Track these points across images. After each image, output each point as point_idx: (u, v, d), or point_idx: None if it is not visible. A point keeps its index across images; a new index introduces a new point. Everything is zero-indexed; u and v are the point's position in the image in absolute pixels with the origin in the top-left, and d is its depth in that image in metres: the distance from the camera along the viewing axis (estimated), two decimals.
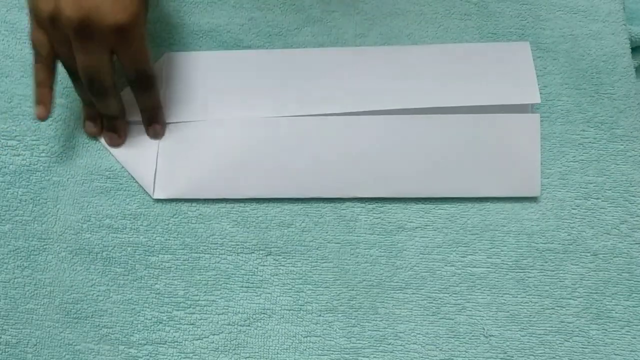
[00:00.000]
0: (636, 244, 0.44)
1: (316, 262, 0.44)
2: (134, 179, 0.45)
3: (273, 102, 0.46)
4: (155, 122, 0.46)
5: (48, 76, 0.43)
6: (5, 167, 0.46)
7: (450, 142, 0.45)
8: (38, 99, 0.43)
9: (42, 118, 0.43)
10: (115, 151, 0.46)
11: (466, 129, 0.45)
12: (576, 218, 0.44)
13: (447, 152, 0.45)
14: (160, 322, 0.43)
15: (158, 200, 0.45)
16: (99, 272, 0.44)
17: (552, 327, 0.43)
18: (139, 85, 0.44)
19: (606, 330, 0.42)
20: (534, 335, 0.42)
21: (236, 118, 0.46)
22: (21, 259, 0.44)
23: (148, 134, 0.46)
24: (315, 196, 0.45)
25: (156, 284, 0.44)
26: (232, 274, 0.44)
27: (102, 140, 0.46)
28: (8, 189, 0.45)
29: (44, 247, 0.44)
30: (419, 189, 0.45)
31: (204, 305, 0.43)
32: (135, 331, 0.43)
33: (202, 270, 0.44)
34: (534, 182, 0.44)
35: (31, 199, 0.45)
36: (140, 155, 0.45)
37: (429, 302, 0.43)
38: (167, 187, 0.45)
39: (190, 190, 0.45)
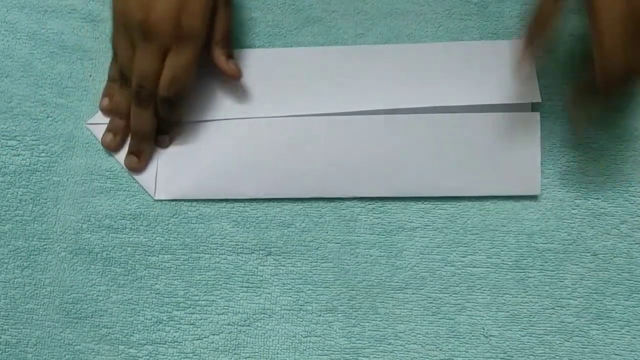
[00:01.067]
0: (636, 244, 0.44)
1: (316, 262, 0.44)
2: (134, 179, 0.45)
3: (272, 103, 0.46)
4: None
5: (120, 75, 0.45)
6: (5, 167, 0.46)
7: (450, 141, 0.45)
8: (105, 92, 0.45)
9: (103, 111, 0.46)
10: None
11: (466, 128, 0.45)
12: (576, 218, 0.44)
13: (447, 151, 0.45)
14: (160, 322, 0.43)
15: (158, 201, 0.45)
16: (99, 272, 0.44)
17: (552, 327, 0.43)
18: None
19: (606, 330, 0.42)
20: (534, 335, 0.42)
21: (236, 118, 0.46)
22: (21, 259, 0.44)
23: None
24: (315, 196, 0.45)
25: (156, 284, 0.44)
26: (232, 274, 0.44)
27: (103, 141, 0.46)
28: (8, 189, 0.45)
29: (44, 247, 0.44)
30: (419, 189, 0.45)
31: (204, 305, 0.43)
32: (135, 331, 0.43)
33: (202, 270, 0.44)
34: (534, 180, 0.44)
35: (31, 199, 0.45)
36: None
37: (429, 302, 0.43)
38: (168, 188, 0.45)
39: (191, 190, 0.45)
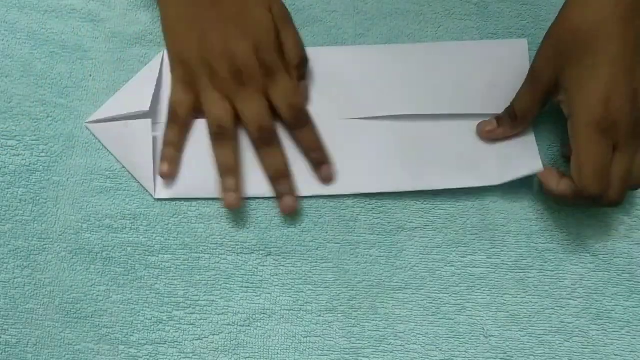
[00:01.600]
0: (636, 244, 0.44)
1: (316, 262, 0.44)
2: (134, 179, 0.45)
3: None
4: (322, 163, 0.44)
5: (181, 138, 0.45)
6: (5, 167, 0.46)
7: (450, 140, 0.45)
8: (165, 157, 0.44)
9: (166, 176, 0.44)
10: (115, 152, 0.46)
11: (466, 128, 0.45)
12: (576, 218, 0.44)
13: (447, 149, 0.45)
14: (160, 322, 0.43)
15: (158, 200, 0.45)
16: (99, 272, 0.44)
17: (552, 327, 0.43)
18: (295, 123, 0.44)
19: (606, 330, 0.42)
20: (533, 335, 0.42)
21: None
22: (21, 259, 0.44)
23: (319, 178, 0.45)
24: (314, 195, 0.45)
25: (156, 284, 0.44)
26: (232, 274, 0.44)
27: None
28: (8, 189, 0.45)
29: (44, 247, 0.44)
30: (420, 184, 0.44)
31: (204, 305, 0.43)
32: (135, 331, 0.43)
33: (202, 270, 0.44)
34: (534, 157, 0.44)
35: (31, 199, 0.45)
36: (141, 156, 0.45)
37: (429, 302, 0.43)
38: (168, 186, 0.45)
39: (191, 189, 0.45)
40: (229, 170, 0.44)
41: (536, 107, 0.42)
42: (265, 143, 0.44)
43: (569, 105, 0.40)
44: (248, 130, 0.44)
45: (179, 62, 0.45)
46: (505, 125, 0.44)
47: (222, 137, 0.44)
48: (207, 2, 0.43)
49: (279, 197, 0.44)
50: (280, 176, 0.44)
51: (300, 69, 0.45)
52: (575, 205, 0.42)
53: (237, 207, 0.44)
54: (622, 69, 0.38)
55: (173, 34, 0.45)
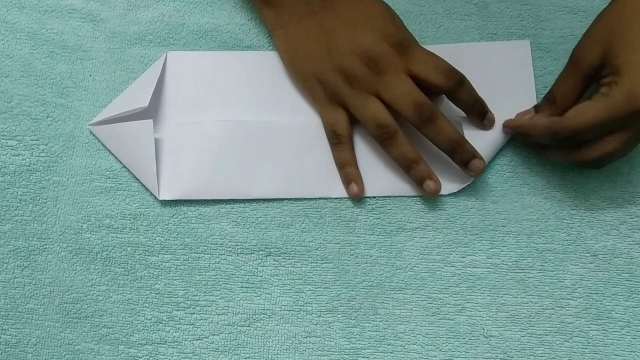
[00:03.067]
0: (636, 244, 0.44)
1: (316, 262, 0.44)
2: (134, 179, 0.45)
3: (275, 103, 0.46)
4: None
5: (352, 155, 0.45)
6: (5, 167, 0.46)
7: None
8: (350, 178, 0.44)
9: (358, 195, 0.44)
10: (118, 154, 0.46)
11: (468, 129, 0.45)
12: (576, 218, 0.44)
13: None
14: (160, 322, 0.43)
15: (158, 200, 0.45)
16: (99, 272, 0.44)
17: (552, 327, 0.43)
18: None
19: (606, 330, 0.42)
20: (533, 335, 0.42)
21: (239, 119, 0.46)
22: (21, 259, 0.44)
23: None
24: (315, 196, 0.45)
25: (156, 284, 0.44)
26: (232, 274, 0.44)
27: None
28: (8, 189, 0.45)
29: (44, 247, 0.44)
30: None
31: (204, 306, 0.43)
32: (135, 331, 0.43)
33: (202, 271, 0.44)
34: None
35: (31, 199, 0.45)
36: (143, 157, 0.45)
37: (429, 303, 0.43)
38: (172, 188, 0.45)
39: (195, 191, 0.45)
40: (414, 161, 0.43)
41: (577, 92, 0.42)
42: (428, 119, 0.42)
43: (615, 81, 0.39)
44: (404, 114, 0.42)
45: (316, 82, 0.44)
46: (543, 110, 0.43)
47: (389, 136, 0.43)
48: (322, 14, 0.44)
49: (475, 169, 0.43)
50: (455, 146, 0.42)
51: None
52: (552, 155, 0.43)
53: (439, 192, 0.43)
54: None
55: (300, 58, 0.45)
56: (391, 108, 0.43)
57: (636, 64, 0.38)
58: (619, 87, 0.39)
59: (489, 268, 0.44)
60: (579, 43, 0.42)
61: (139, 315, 0.43)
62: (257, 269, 0.44)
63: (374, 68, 0.42)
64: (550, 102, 0.43)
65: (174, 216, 0.45)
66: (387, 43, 0.42)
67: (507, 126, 0.44)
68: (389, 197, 0.45)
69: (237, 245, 0.44)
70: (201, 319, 0.43)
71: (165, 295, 0.43)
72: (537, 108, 0.44)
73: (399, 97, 0.42)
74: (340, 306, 0.43)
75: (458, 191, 0.45)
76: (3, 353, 0.43)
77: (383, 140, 0.43)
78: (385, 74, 0.42)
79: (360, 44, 0.42)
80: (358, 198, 0.45)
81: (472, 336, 0.42)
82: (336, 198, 0.45)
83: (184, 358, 0.42)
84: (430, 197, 0.44)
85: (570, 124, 0.40)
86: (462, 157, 0.43)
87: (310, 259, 0.44)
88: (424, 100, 0.42)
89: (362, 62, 0.42)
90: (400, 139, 0.43)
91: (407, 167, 0.43)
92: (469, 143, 0.43)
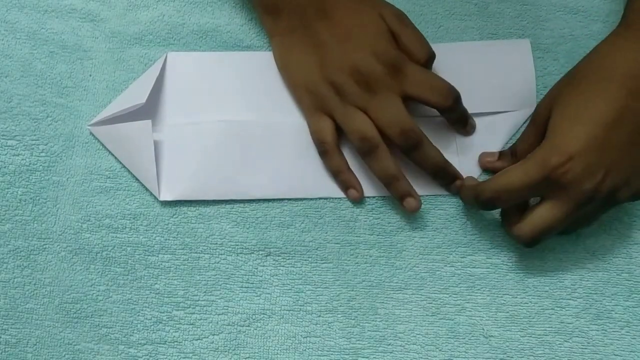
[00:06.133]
0: (635, 244, 0.44)
1: (316, 262, 0.44)
2: (134, 179, 0.45)
3: (276, 103, 0.46)
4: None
5: (341, 160, 0.44)
6: (5, 167, 0.46)
7: (451, 140, 0.45)
8: (347, 184, 0.44)
9: (358, 199, 0.44)
10: (119, 154, 0.45)
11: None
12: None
13: (449, 149, 0.45)
14: (160, 322, 0.43)
15: (158, 200, 0.45)
16: (99, 272, 0.44)
17: (551, 327, 0.43)
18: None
19: (606, 330, 0.42)
20: (533, 335, 0.42)
21: (239, 119, 0.46)
22: (21, 258, 0.44)
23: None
24: (315, 196, 0.45)
25: (156, 284, 0.44)
26: (232, 274, 0.44)
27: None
28: (8, 189, 0.45)
29: (44, 247, 0.44)
30: (420, 189, 0.44)
31: (204, 305, 0.43)
32: (135, 331, 0.43)
33: (202, 270, 0.44)
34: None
35: (31, 199, 0.45)
36: (143, 158, 0.45)
37: (429, 303, 0.43)
38: (172, 188, 0.45)
39: (195, 192, 0.45)
40: (394, 177, 0.43)
41: (535, 147, 0.41)
42: (413, 146, 0.42)
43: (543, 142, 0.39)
44: (390, 138, 0.42)
45: (305, 92, 0.44)
46: (505, 160, 0.44)
47: (370, 150, 0.42)
48: (317, 26, 0.43)
49: (455, 190, 0.44)
50: (439, 171, 0.43)
51: (429, 66, 0.44)
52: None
53: (419, 209, 0.43)
54: (597, 140, 0.37)
55: (292, 66, 0.45)
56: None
57: (566, 119, 0.39)
58: (541, 148, 0.39)
59: (488, 268, 0.44)
60: (538, 104, 0.43)
61: (138, 315, 0.43)
62: (256, 268, 0.44)
63: (364, 86, 0.42)
64: (513, 154, 0.44)
65: (174, 216, 0.45)
66: (380, 62, 0.42)
67: (455, 186, 0.44)
68: (389, 197, 0.45)
69: (237, 245, 0.44)
70: (201, 319, 0.43)
71: (165, 295, 0.43)
72: (500, 154, 0.45)
73: (387, 121, 0.42)
74: (340, 306, 0.43)
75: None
76: (3, 353, 0.43)
77: (365, 154, 0.43)
78: (375, 93, 0.42)
79: (352, 61, 0.42)
80: (357, 201, 0.45)
81: (472, 336, 0.43)
82: (336, 198, 0.45)
83: (184, 358, 0.42)
84: (411, 214, 0.44)
85: (491, 185, 0.40)
86: (446, 180, 0.44)
87: (310, 259, 0.44)
88: (410, 126, 0.42)
89: (353, 79, 0.42)
90: (382, 153, 0.42)
91: (387, 183, 0.43)
92: (453, 166, 0.44)
